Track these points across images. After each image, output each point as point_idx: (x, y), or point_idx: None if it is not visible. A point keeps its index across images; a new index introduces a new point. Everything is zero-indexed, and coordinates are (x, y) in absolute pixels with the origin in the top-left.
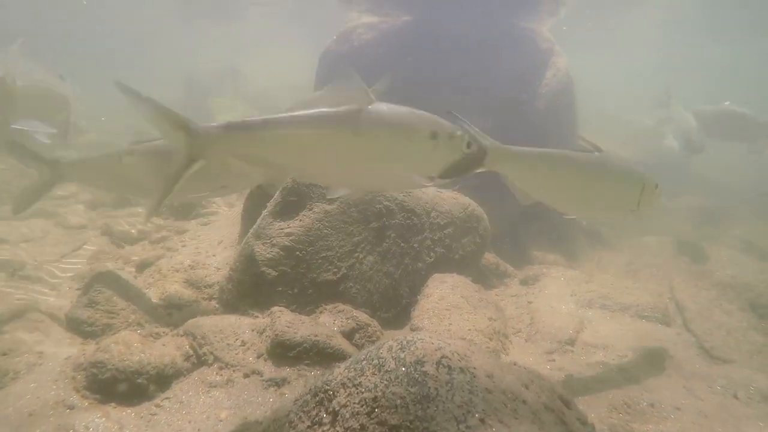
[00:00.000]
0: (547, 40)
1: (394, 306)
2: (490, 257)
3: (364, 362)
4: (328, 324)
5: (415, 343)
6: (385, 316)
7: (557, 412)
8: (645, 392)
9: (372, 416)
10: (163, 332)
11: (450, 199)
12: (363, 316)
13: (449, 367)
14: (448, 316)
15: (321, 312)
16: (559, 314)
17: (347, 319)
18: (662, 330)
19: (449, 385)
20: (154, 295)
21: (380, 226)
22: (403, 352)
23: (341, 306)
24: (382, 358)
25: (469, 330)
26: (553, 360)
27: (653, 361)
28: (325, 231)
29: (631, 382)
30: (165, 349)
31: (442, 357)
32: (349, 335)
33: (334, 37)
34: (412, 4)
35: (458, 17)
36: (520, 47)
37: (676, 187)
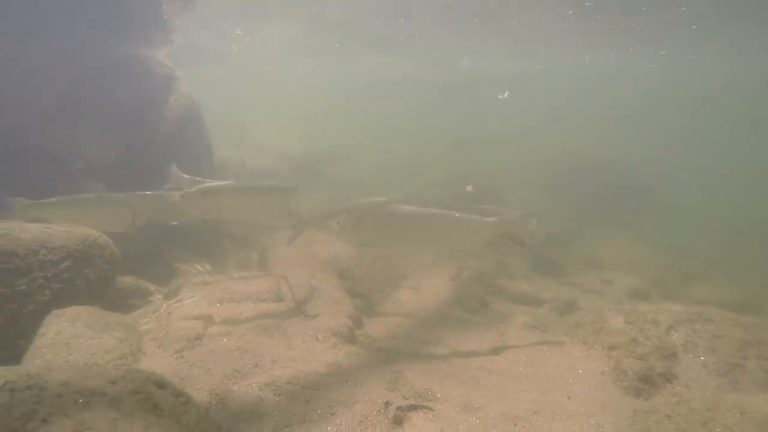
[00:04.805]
0: (164, 65)
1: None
2: (128, 280)
3: None
4: None
5: None
6: None
7: (144, 392)
8: (255, 357)
9: None
10: None
11: (62, 233)
12: None
13: (12, 390)
14: (67, 348)
15: None
16: (191, 317)
17: None
18: (276, 306)
19: (6, 405)
20: None
21: None
22: None
23: None
24: None
25: (93, 354)
26: (182, 356)
27: (267, 330)
28: None
29: (246, 353)
30: None
31: (3, 384)
32: None
33: None
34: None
35: (71, 44)
36: (139, 74)
37: None
